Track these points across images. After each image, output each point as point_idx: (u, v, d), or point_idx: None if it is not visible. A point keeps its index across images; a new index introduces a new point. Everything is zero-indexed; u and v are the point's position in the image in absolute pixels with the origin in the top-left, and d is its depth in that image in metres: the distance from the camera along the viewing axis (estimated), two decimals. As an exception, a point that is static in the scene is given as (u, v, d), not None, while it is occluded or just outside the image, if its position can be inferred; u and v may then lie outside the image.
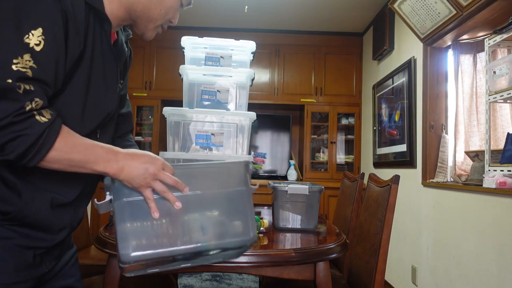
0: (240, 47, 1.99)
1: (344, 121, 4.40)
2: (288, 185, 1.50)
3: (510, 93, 1.95)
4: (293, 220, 1.50)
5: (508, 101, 2.07)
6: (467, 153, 2.47)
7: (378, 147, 3.71)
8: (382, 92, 3.66)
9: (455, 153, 2.60)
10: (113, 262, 1.19)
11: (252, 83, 1.96)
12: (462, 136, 2.57)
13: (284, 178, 4.25)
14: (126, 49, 1.05)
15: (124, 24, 0.96)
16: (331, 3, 3.67)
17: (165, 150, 1.86)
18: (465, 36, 2.57)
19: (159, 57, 4.36)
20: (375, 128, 3.79)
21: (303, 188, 1.49)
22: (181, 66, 1.70)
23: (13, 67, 0.69)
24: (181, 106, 1.88)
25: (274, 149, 4.45)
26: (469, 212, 2.26)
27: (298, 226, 1.50)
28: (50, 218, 0.86)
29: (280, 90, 4.35)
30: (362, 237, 1.63)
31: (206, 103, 1.90)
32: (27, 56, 0.70)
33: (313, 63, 4.37)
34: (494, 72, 2.08)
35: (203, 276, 1.63)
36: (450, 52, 2.77)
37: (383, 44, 3.55)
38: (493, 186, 1.95)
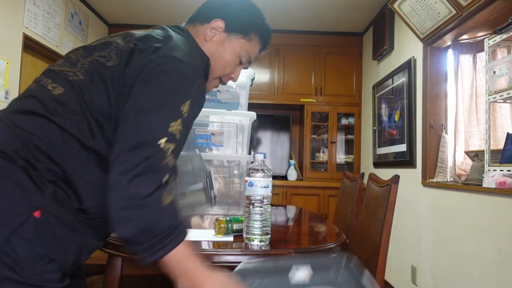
0: (240, 47, 1.98)
1: (344, 121, 4.40)
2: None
3: (510, 93, 1.95)
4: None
5: (508, 101, 2.08)
6: (467, 153, 2.47)
7: (378, 147, 3.71)
8: (382, 92, 3.66)
9: (455, 153, 2.60)
10: (113, 262, 1.19)
11: (252, 83, 1.96)
12: (462, 136, 2.57)
13: (284, 178, 4.25)
14: None
15: None
16: (331, 3, 3.67)
17: (165, 150, 1.85)
18: (465, 36, 2.57)
19: (159, 57, 4.35)
20: (375, 128, 3.79)
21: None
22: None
23: (169, 129, 0.82)
24: (181, 106, 1.88)
25: (274, 149, 4.45)
26: (469, 212, 2.26)
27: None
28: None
29: (280, 90, 4.35)
30: (362, 237, 1.63)
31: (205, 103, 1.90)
32: (179, 121, 0.84)
33: (313, 63, 4.37)
34: (494, 72, 2.08)
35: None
36: (450, 52, 2.77)
37: (383, 44, 3.55)
38: (493, 186, 1.95)
